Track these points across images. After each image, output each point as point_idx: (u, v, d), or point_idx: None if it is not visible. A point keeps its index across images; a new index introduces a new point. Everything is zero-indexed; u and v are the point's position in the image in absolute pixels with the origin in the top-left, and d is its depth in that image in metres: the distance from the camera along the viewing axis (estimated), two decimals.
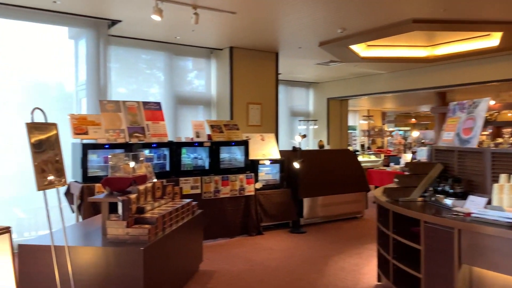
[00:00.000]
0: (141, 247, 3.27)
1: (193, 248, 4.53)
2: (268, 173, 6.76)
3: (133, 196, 3.74)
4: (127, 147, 5.41)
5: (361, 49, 8.04)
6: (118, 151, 5.30)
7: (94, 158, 5.37)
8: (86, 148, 5.19)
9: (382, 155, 13.40)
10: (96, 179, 5.16)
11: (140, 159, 4.36)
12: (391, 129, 19.90)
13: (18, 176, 5.80)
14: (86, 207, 5.02)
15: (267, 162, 6.71)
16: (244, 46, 7.67)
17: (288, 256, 5.29)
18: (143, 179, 4.17)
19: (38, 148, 3.05)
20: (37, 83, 6.22)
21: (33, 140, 3.01)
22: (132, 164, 4.17)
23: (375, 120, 17.79)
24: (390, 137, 18.04)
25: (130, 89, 7.38)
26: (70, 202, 5.42)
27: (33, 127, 3.05)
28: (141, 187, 3.95)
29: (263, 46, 7.67)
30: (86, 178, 5.16)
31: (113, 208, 3.78)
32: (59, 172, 3.19)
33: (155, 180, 4.46)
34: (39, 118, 3.12)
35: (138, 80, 7.48)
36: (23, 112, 5.91)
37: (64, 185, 3.20)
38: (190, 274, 4.48)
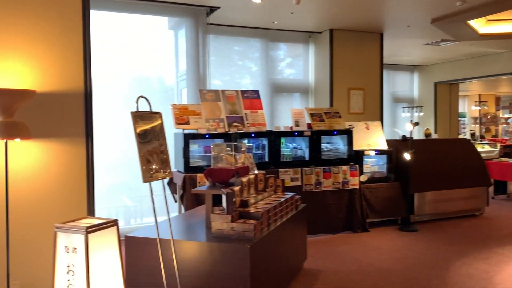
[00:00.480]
0: (247, 244, 3.03)
1: (297, 245, 4.23)
2: (374, 165, 6.22)
3: (236, 188, 3.53)
4: (226, 137, 5.27)
5: (479, 25, 7.07)
6: (217, 141, 5.21)
7: (195, 148, 5.32)
8: (188, 138, 5.13)
9: (498, 145, 11.93)
10: (197, 169, 5.11)
11: (242, 149, 4.15)
12: (506, 115, 17.79)
13: (124, 164, 5.99)
14: (189, 197, 4.97)
15: (373, 153, 6.16)
16: (346, 28, 7.14)
17: (401, 258, 4.76)
18: (245, 170, 3.95)
19: (143, 138, 2.94)
20: (139, 75, 6.36)
21: (138, 130, 2.90)
22: (234, 155, 3.98)
23: (488, 106, 15.99)
24: (505, 125, 16.11)
25: (223, 81, 7.27)
26: (173, 191, 5.44)
27: (138, 116, 2.94)
28: (244, 179, 3.72)
29: (367, 26, 7.07)
30: (188, 168, 5.11)
31: (216, 200, 3.62)
32: (164, 163, 3.06)
33: (256, 171, 4.23)
34: (143, 108, 3.01)
35: (231, 71, 7.35)
36: (128, 104, 6.10)
37: (169, 176, 3.07)
38: (294, 273, 4.19)
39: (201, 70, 6.19)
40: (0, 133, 2.92)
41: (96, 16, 5.56)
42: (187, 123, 5.29)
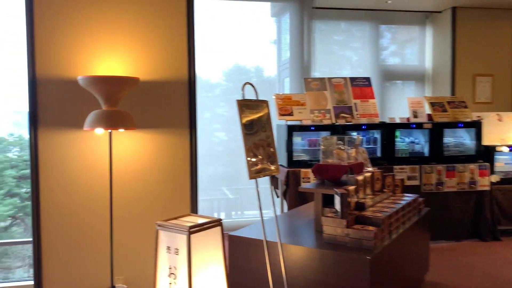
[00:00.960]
0: (367, 255, 2.58)
1: (419, 255, 3.65)
2: (508, 163, 5.30)
3: (351, 188, 3.07)
4: (333, 129, 4.83)
5: None
6: (323, 133, 4.82)
7: (298, 140, 4.98)
8: (291, 130, 4.79)
9: None
10: (300, 163, 4.77)
11: (355, 143, 3.68)
12: None
13: (224, 155, 5.87)
14: (292, 193, 4.63)
15: (506, 149, 5.24)
16: (471, 5, 6.20)
17: None
18: (359, 167, 3.47)
19: (249, 129, 2.62)
20: (237, 65, 6.17)
21: (244, 120, 2.59)
22: (346, 149, 3.52)
23: None
24: None
25: (322, 72, 6.75)
26: (275, 186, 5.14)
27: (244, 105, 2.63)
28: (359, 178, 3.25)
29: (499, 1, 6.06)
30: (291, 162, 4.77)
31: (325, 200, 3.22)
32: (271, 157, 2.72)
33: (371, 168, 3.72)
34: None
35: (330, 62, 6.79)
36: (226, 93, 5.98)
37: (276, 173, 2.72)
38: (415, 287, 3.62)
39: (305, 57, 5.79)
40: (105, 123, 2.82)
41: (199, 3, 5.43)
42: (291, 114, 4.94)
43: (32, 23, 3.03)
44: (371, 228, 2.80)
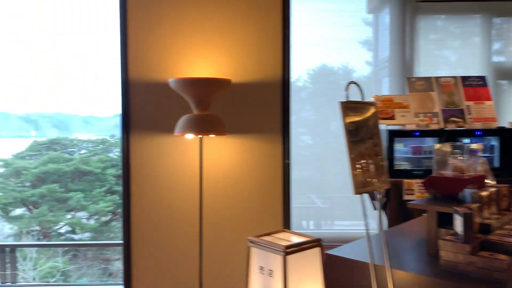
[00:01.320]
0: None
1: None
2: None
3: (474, 206, 2.58)
4: (441, 135, 4.28)
5: None
6: (428, 139, 4.31)
7: (399, 147, 4.50)
8: (393, 135, 4.33)
9: None
10: (402, 173, 4.29)
11: (475, 152, 3.14)
12: None
13: (310, 160, 5.56)
14: (393, 207, 4.17)
15: None
16: None
17: None
18: (481, 181, 2.94)
19: (354, 136, 2.28)
20: (322, 65, 5.80)
21: (348, 125, 2.26)
22: (464, 159, 3.02)
23: None
24: None
25: (419, 72, 6.08)
26: (372, 197, 4.70)
27: (348, 108, 2.30)
28: (484, 193, 2.73)
29: None
30: (392, 172, 4.31)
31: (439, 219, 2.75)
32: (379, 168, 2.36)
33: (493, 182, 3.15)
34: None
35: (429, 61, 6.11)
36: (312, 98, 5.66)
37: (385, 187, 2.35)
38: None
39: (407, 55, 5.27)
40: (195, 128, 2.66)
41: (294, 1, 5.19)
42: (392, 117, 4.48)
43: (125, 26, 2.99)
44: (502, 256, 2.30)
